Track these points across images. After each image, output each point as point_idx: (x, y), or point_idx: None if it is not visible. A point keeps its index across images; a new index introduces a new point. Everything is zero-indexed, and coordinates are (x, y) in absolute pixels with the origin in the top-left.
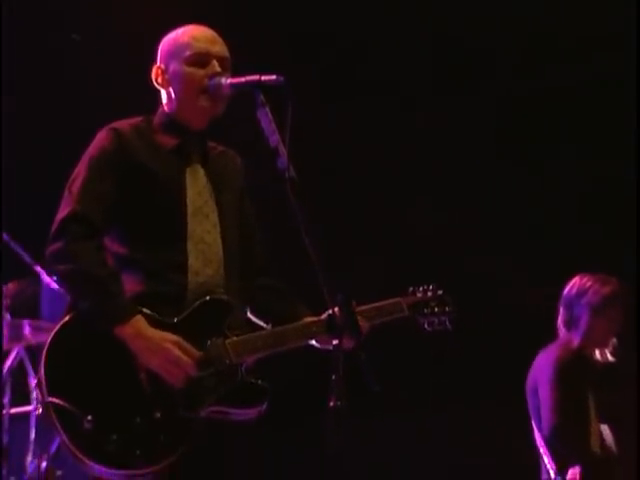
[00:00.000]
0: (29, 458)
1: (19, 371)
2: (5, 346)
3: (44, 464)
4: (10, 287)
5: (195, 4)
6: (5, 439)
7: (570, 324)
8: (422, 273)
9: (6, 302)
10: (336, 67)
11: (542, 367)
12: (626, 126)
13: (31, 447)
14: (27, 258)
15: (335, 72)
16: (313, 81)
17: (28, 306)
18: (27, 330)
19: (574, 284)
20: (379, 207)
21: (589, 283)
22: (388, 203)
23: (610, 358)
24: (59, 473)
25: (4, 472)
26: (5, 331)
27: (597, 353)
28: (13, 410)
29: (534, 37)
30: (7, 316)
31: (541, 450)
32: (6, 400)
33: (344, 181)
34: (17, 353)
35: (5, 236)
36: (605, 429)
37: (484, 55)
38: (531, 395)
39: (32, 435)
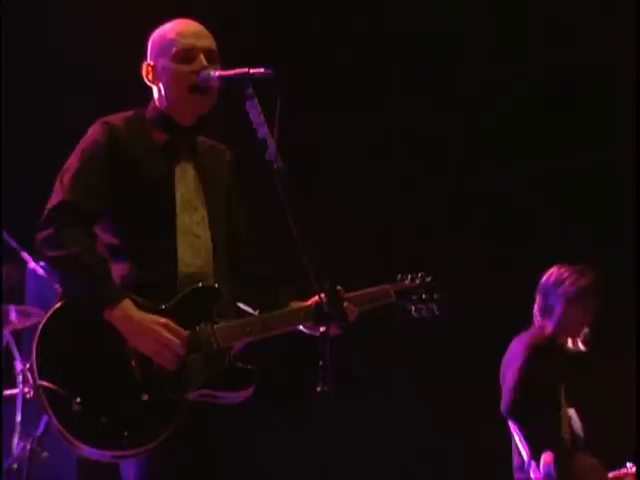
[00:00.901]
0: (15, 440)
1: (5, 355)
2: None
3: (30, 446)
4: None
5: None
6: None
7: (545, 312)
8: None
9: None
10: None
11: (515, 352)
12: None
13: (17, 429)
14: (13, 244)
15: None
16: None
17: (14, 291)
18: (13, 315)
19: (552, 273)
20: (357, 198)
21: (566, 274)
22: (369, 193)
23: (581, 347)
24: (45, 454)
25: None
26: None
27: (569, 342)
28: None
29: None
30: None
31: (514, 434)
32: None
33: (327, 170)
34: (4, 337)
35: None
36: (573, 413)
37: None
38: (503, 381)
39: (18, 417)
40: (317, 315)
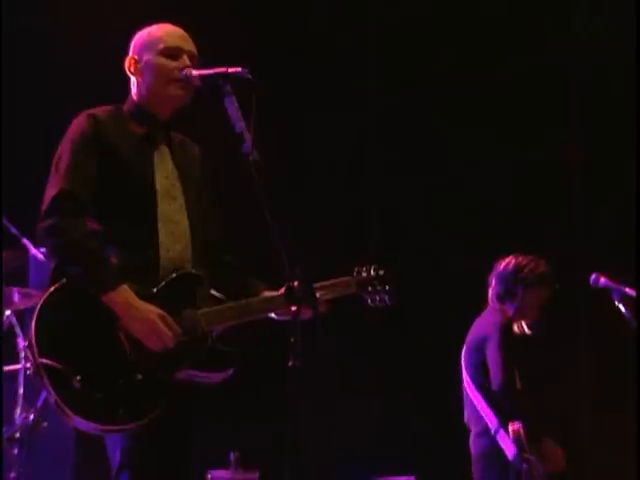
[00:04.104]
0: (18, 411)
1: (9, 334)
2: None
3: (31, 417)
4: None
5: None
6: None
7: (504, 297)
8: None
9: None
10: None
11: (487, 327)
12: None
13: (20, 402)
14: (14, 230)
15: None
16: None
17: (17, 275)
18: (16, 297)
19: (509, 262)
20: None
21: (525, 262)
22: (347, 183)
23: (527, 331)
24: (45, 424)
25: None
26: None
27: (515, 326)
28: (4, 368)
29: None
30: None
31: (476, 403)
32: None
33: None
34: (7, 317)
35: None
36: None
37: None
38: (472, 352)
39: (20, 391)
40: (288, 297)
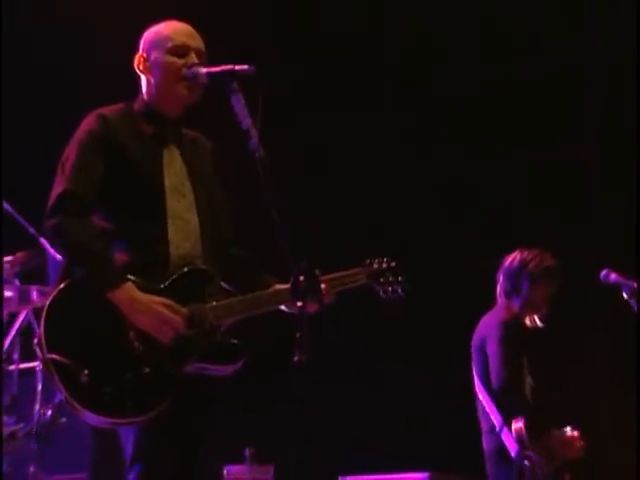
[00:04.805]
0: (36, 407)
1: (28, 331)
2: (14, 309)
3: (49, 412)
4: (19, 256)
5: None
6: (14, 390)
7: (511, 292)
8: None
9: (15, 270)
10: None
11: (489, 326)
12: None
13: (38, 397)
14: (31, 230)
15: None
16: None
17: (37, 273)
18: (34, 295)
19: (515, 257)
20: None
21: (530, 256)
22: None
23: (539, 323)
24: (63, 420)
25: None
26: (15, 295)
27: (527, 319)
28: (22, 365)
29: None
30: (16, 282)
31: (484, 402)
32: (16, 356)
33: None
34: (26, 315)
35: (9, 208)
36: (530, 382)
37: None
38: (476, 352)
39: (39, 387)
40: (294, 292)
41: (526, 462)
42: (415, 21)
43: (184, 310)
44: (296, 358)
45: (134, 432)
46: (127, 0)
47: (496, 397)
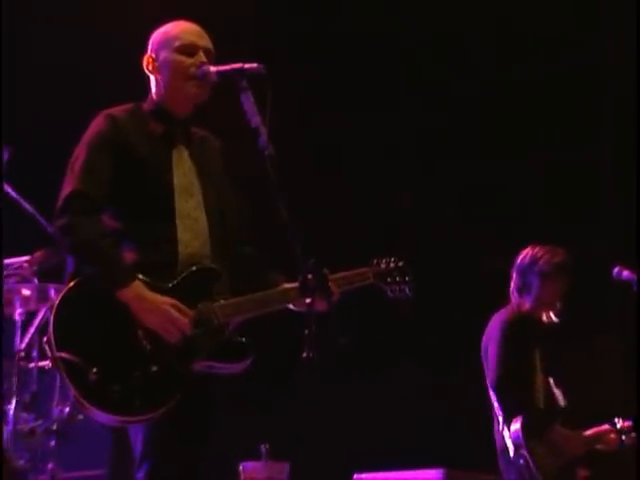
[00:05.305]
0: (54, 404)
1: (46, 329)
2: (33, 307)
3: (67, 409)
4: (37, 255)
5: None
6: (34, 388)
7: (523, 289)
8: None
9: (34, 268)
10: None
11: (493, 326)
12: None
13: (56, 395)
14: (50, 230)
15: None
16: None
17: (55, 272)
18: (52, 293)
19: (527, 254)
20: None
21: (540, 253)
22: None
23: (554, 319)
24: (80, 417)
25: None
26: (33, 294)
27: (544, 315)
28: (41, 363)
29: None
30: (35, 280)
31: (494, 404)
32: (35, 354)
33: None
34: (44, 313)
35: (30, 208)
36: (551, 382)
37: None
38: (483, 350)
39: (57, 384)
40: (302, 289)
41: (521, 461)
42: (431, 21)
43: (189, 312)
44: (304, 355)
45: (143, 430)
46: (127, 0)
47: (495, 394)
